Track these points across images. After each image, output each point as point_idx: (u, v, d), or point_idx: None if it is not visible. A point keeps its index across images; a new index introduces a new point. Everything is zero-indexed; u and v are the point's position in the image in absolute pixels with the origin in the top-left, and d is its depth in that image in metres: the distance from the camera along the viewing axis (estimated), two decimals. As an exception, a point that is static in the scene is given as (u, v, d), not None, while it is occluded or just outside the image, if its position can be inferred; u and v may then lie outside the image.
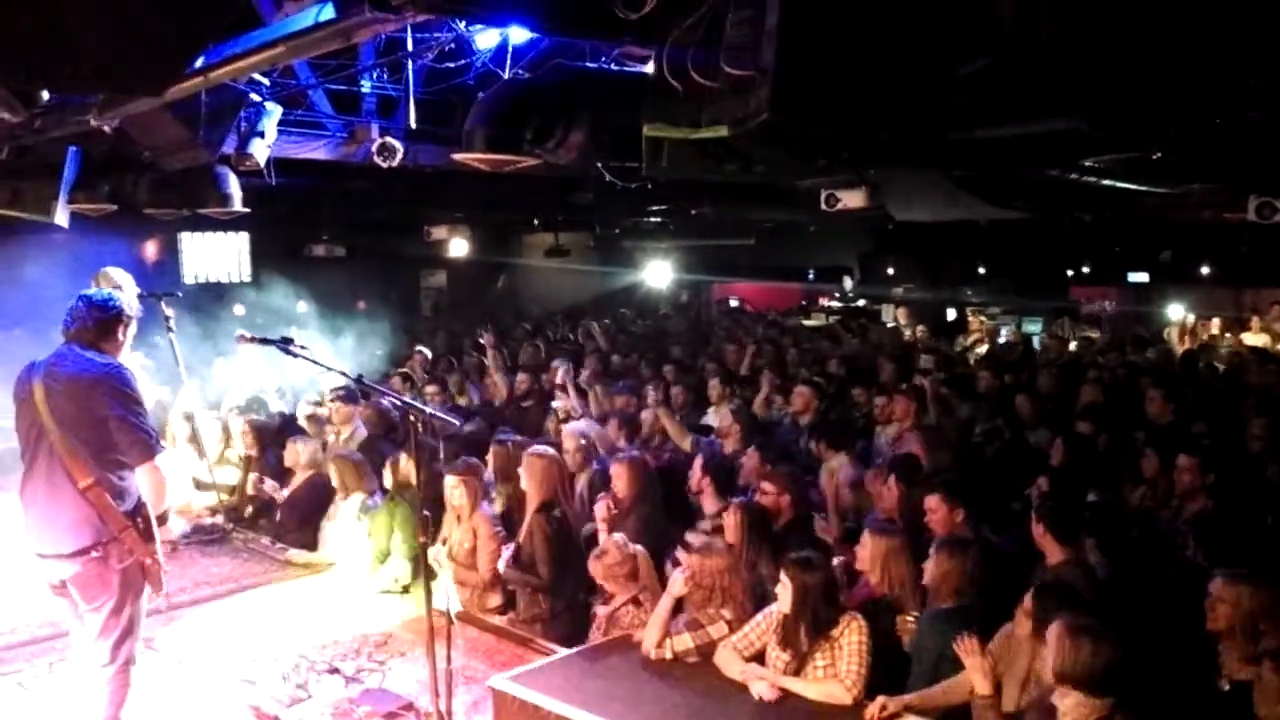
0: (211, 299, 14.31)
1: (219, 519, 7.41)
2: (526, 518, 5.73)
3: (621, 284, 20.66)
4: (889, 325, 16.10)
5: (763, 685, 4.07)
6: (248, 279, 15.84)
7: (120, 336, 4.07)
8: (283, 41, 4.10)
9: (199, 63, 4.28)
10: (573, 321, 16.04)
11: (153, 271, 14.27)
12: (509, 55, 5.98)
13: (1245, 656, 3.70)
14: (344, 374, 4.38)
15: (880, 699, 3.88)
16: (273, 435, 8.13)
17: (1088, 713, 3.26)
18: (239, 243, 15.94)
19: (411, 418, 3.99)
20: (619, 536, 4.96)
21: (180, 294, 7.72)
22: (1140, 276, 15.60)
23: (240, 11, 4.06)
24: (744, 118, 3.69)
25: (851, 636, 4.10)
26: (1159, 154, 6.70)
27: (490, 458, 6.52)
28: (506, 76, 5.90)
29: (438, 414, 3.95)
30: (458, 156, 5.02)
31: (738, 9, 3.68)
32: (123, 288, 6.42)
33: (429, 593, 4.05)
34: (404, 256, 17.05)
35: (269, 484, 7.22)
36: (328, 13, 3.84)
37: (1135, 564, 4.63)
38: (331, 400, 8.26)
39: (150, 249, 15.01)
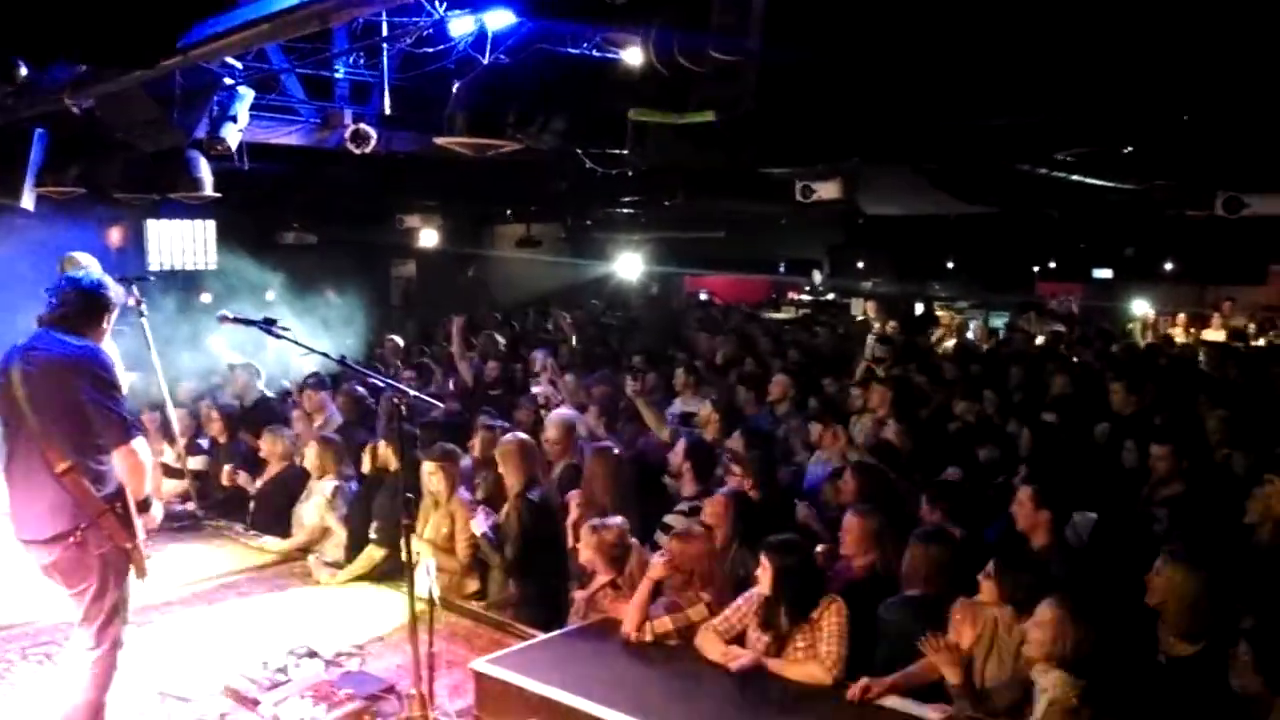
0: (177, 286, 14.12)
1: (190, 506, 7.34)
2: (507, 502, 5.74)
3: (592, 275, 20.64)
4: (858, 318, 16.23)
5: (743, 664, 4.11)
6: (213, 266, 15.65)
7: (104, 323, 4.02)
8: (266, 20, 4.05)
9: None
10: (543, 312, 16.02)
11: (117, 258, 14.02)
12: (489, 41, 5.95)
13: (1180, 634, 3.80)
14: (327, 354, 4.36)
15: (864, 680, 3.93)
16: (242, 421, 8.07)
17: (1070, 691, 3.33)
18: (205, 230, 15.74)
19: (395, 400, 3.98)
20: (623, 522, 4.97)
21: (152, 279, 7.62)
22: (1105, 273, 15.80)
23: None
24: (730, 102, 3.73)
25: (831, 618, 4.15)
26: (1129, 148, 6.86)
27: (476, 443, 6.52)
28: (486, 62, 5.87)
29: (422, 396, 3.94)
30: (440, 140, 5.00)
31: (724, -6, 3.71)
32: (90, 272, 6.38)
33: (411, 575, 4.05)
34: (374, 245, 16.91)
35: (242, 476, 7.15)
36: (313, -9, 3.81)
37: (1113, 548, 4.73)
38: (303, 388, 8.21)
39: (115, 235, 14.76)
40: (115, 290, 4.06)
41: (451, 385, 9.48)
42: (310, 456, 6.62)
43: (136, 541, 3.88)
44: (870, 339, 11.02)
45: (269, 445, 7.16)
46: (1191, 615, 3.78)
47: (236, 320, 4.20)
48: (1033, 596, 3.71)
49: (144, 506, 3.93)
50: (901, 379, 8.53)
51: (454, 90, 5.07)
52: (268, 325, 4.06)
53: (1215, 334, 14.29)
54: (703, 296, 21.05)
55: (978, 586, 4.04)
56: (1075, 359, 10.86)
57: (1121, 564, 4.41)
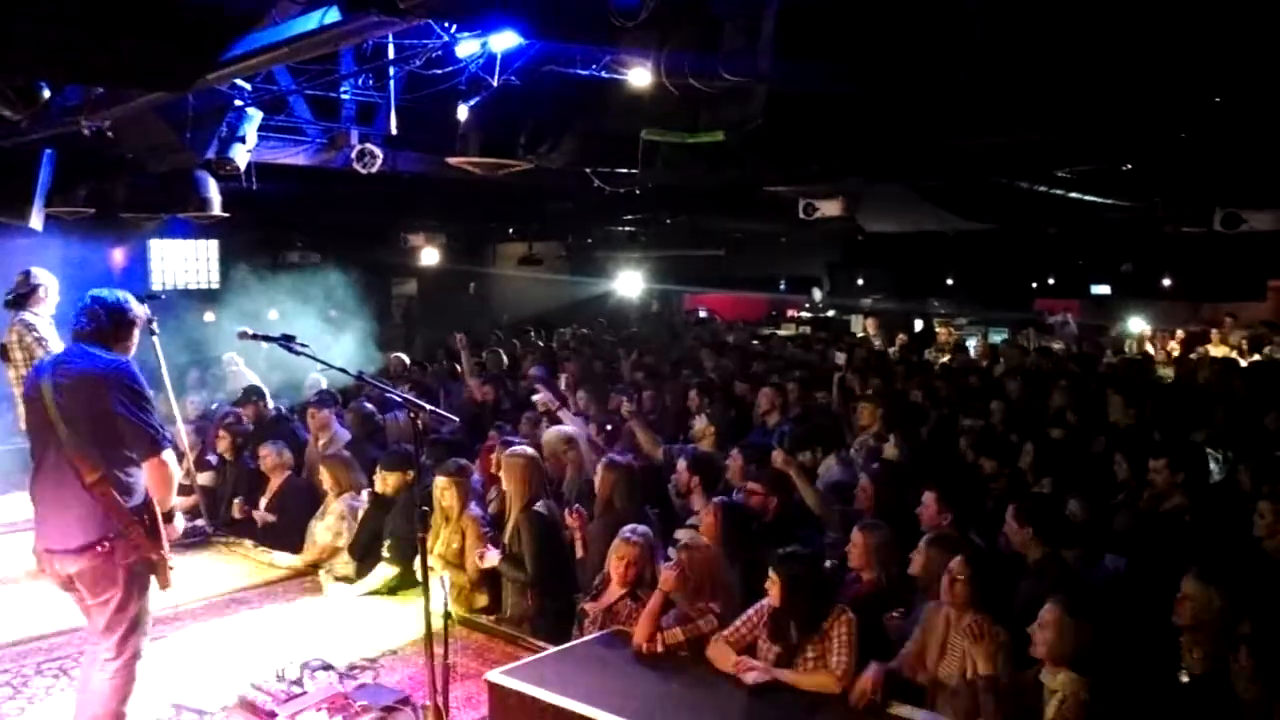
0: (180, 305, 14.17)
1: (200, 522, 7.36)
2: (511, 518, 5.78)
3: (593, 293, 20.72)
4: (858, 335, 16.29)
5: (755, 674, 4.16)
6: (216, 285, 15.72)
7: (132, 338, 4.12)
8: (286, 44, 4.14)
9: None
10: (545, 330, 16.09)
11: (121, 278, 14.09)
12: (498, 62, 6.04)
13: (1207, 652, 3.77)
14: (345, 370, 4.42)
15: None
16: (251, 438, 8.11)
17: (1078, 689, 3.40)
18: (208, 249, 15.83)
19: (412, 415, 4.04)
20: (648, 531, 5.02)
21: (163, 296, 7.68)
22: (1102, 289, 15.88)
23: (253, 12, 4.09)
24: (740, 122, 3.82)
25: (840, 629, 4.19)
26: (1128, 166, 6.97)
27: (492, 459, 6.55)
28: (495, 83, 5.97)
29: (439, 412, 4.01)
30: (452, 160, 5.09)
31: (734, 17, 3.81)
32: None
33: (427, 586, 4.10)
34: (377, 264, 17.00)
35: (258, 515, 7.16)
36: (333, 15, 3.89)
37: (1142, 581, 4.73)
38: (307, 406, 8.26)
39: (118, 255, 14.84)
40: (138, 305, 4.16)
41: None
42: (324, 477, 6.67)
43: (162, 552, 3.95)
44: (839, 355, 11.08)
45: (267, 458, 7.22)
46: (1218, 632, 3.74)
47: (256, 337, 4.28)
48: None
49: (168, 518, 4.01)
50: (896, 394, 8.60)
51: (466, 111, 5.16)
52: (286, 341, 4.13)
53: (1216, 350, 14.33)
54: (702, 314, 21.10)
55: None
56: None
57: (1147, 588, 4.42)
